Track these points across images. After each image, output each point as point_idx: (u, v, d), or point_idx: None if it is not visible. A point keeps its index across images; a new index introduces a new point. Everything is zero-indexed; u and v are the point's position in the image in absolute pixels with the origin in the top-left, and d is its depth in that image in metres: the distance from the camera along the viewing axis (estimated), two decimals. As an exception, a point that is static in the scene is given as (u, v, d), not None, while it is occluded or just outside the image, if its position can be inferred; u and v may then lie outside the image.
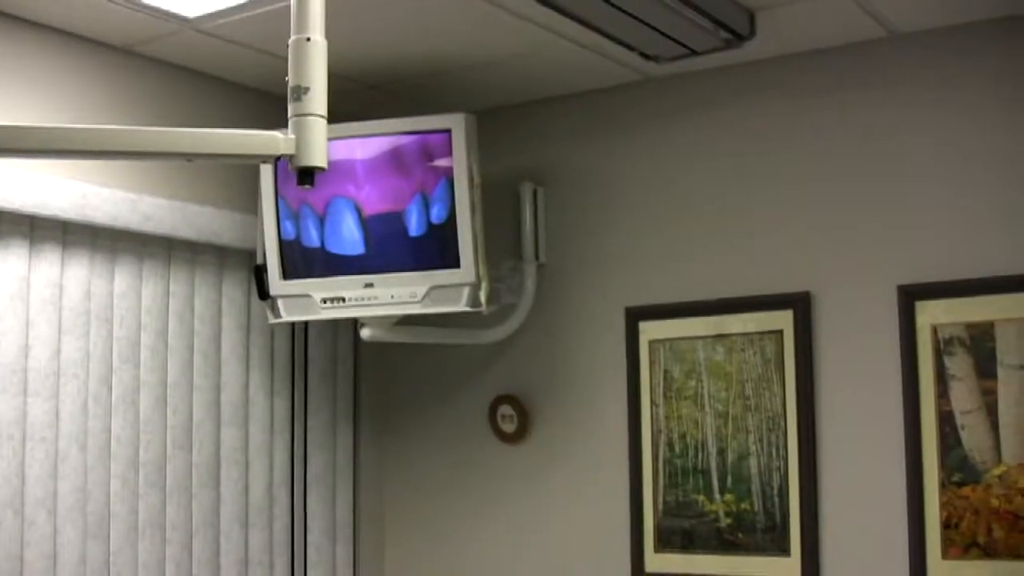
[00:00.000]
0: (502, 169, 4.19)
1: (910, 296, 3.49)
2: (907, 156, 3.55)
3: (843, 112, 3.66)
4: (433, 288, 3.69)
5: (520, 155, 4.23)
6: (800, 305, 3.66)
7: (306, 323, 4.17)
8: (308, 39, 2.27)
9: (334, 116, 4.01)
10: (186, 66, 3.81)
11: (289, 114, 2.24)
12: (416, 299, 3.70)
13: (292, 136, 2.23)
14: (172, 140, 2.19)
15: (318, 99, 2.25)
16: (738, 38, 3.45)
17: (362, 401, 4.39)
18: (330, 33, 3.51)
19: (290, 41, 2.27)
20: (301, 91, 2.25)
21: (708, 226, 3.86)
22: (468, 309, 3.68)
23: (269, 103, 3.95)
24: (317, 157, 2.24)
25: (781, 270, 3.72)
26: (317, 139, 2.25)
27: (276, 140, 2.23)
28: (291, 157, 2.23)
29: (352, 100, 4.11)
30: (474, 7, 3.37)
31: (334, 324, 4.24)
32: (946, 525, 3.39)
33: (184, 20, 3.45)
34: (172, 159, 2.24)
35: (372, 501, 4.40)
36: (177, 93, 3.81)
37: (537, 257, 4.11)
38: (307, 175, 2.25)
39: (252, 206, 3.87)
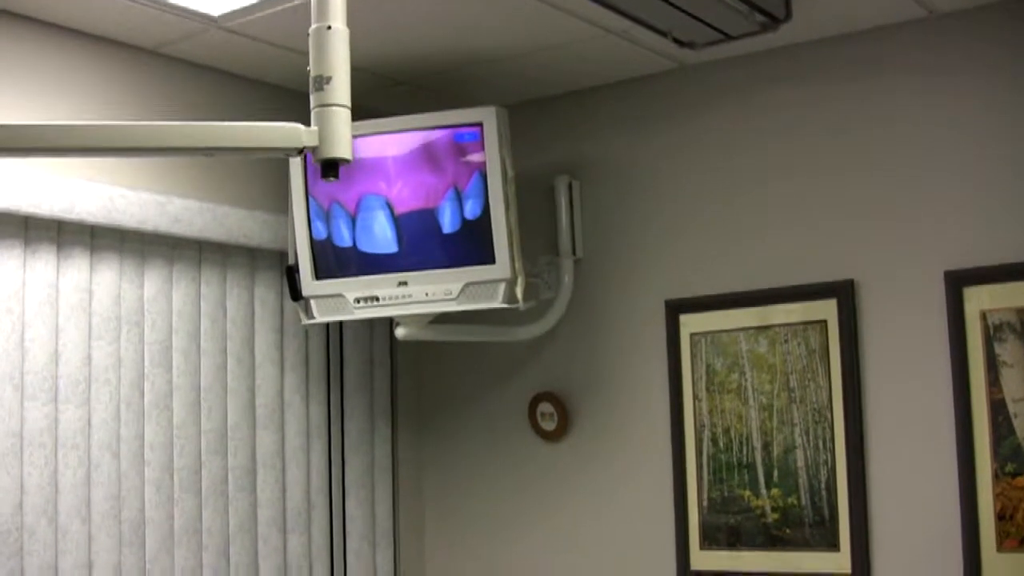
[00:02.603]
0: (537, 163, 4.12)
1: (958, 281, 3.39)
2: (952, 139, 3.45)
3: (884, 96, 3.56)
4: (468, 285, 3.62)
5: (555, 148, 4.15)
6: (844, 294, 3.56)
7: (341, 324, 4.12)
8: (329, 27, 2.21)
9: (363, 113, 3.96)
10: (214, 66, 3.76)
11: (311, 105, 2.19)
12: (451, 296, 3.63)
13: (314, 128, 2.17)
14: (192, 134, 2.13)
15: (341, 89, 2.19)
16: (774, 21, 3.36)
17: (400, 402, 4.33)
18: (357, 28, 3.45)
19: (311, 30, 2.20)
20: (323, 81, 2.19)
21: (748, 215, 3.77)
22: (504, 305, 3.61)
23: (299, 101, 3.88)
24: (341, 148, 2.18)
25: (824, 258, 3.62)
26: (340, 130, 2.18)
27: (298, 132, 2.17)
28: (314, 149, 2.17)
29: (380, 96, 4.05)
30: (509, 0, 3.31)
31: (370, 324, 4.18)
32: (1000, 516, 3.29)
33: (210, 19, 3.40)
34: (192, 154, 2.17)
35: (412, 504, 4.33)
36: (206, 93, 3.76)
37: (574, 251, 4.03)
38: (331, 167, 2.19)
39: (283, 206, 3.82)
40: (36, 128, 2.07)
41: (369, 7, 3.35)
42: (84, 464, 3.37)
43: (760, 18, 3.34)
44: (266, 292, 3.90)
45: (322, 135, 2.17)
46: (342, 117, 2.19)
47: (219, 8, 3.34)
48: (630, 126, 4.02)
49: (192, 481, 3.65)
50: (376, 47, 3.64)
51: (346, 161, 2.19)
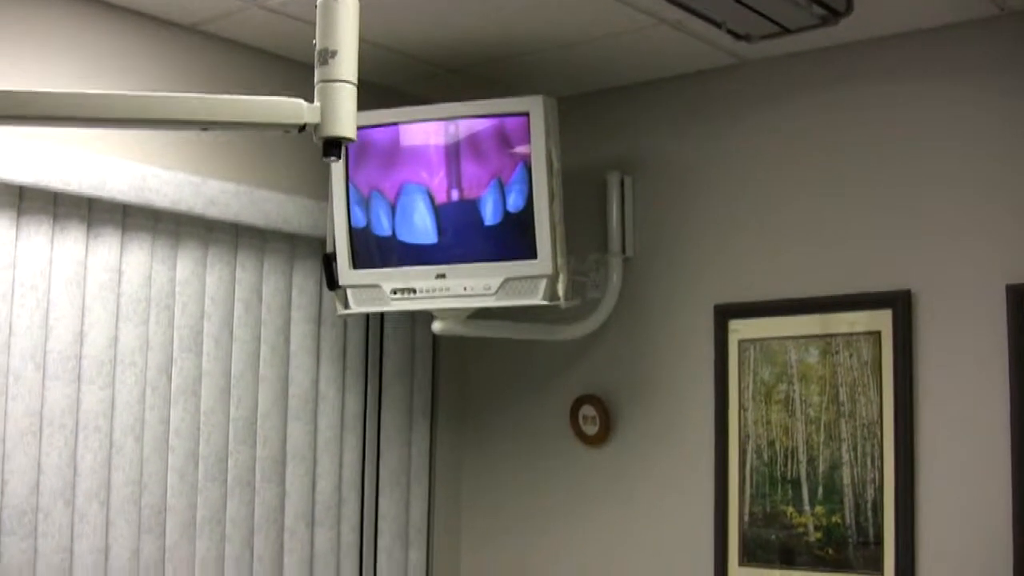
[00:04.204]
0: (589, 157, 3.99)
1: (1020, 296, 3.20)
2: (1019, 144, 3.26)
3: (949, 97, 3.38)
4: (508, 280, 3.50)
5: (608, 143, 4.02)
6: (900, 304, 3.38)
7: (382, 315, 4.02)
8: (337, -2, 2.09)
9: (411, 99, 3.86)
10: (254, 45, 3.67)
11: (315, 80, 2.08)
12: (490, 291, 3.51)
13: (317, 104, 2.07)
14: (187, 107, 2.04)
15: (347, 63, 2.08)
16: (834, 14, 3.21)
17: (440, 398, 4.21)
18: (409, 14, 3.38)
19: (318, 1, 2.10)
20: (328, 55, 2.08)
21: (803, 219, 3.61)
22: (544, 303, 3.48)
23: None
24: (344, 127, 2.07)
25: (880, 266, 3.45)
26: (345, 107, 2.07)
27: (300, 108, 2.06)
28: (316, 126, 2.07)
29: (432, 84, 3.95)
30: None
31: (411, 317, 4.08)
32: (1056, 547, 3.10)
33: (250, -3, 3.33)
34: (188, 127, 2.07)
35: (448, 504, 4.21)
36: (245, 72, 3.67)
37: (623, 250, 3.89)
38: (334, 146, 2.09)
39: (323, 192, 3.72)
40: (28, 95, 1.98)
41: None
42: (105, 447, 3.30)
43: (819, 11, 3.19)
44: (304, 280, 3.81)
45: (324, 112, 2.07)
46: (347, 93, 2.08)
47: (259, -14, 3.26)
48: (686, 122, 3.87)
49: (218, 470, 3.56)
50: (427, 33, 3.55)
51: (349, 140, 2.09)
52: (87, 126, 2.07)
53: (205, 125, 2.07)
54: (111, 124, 2.05)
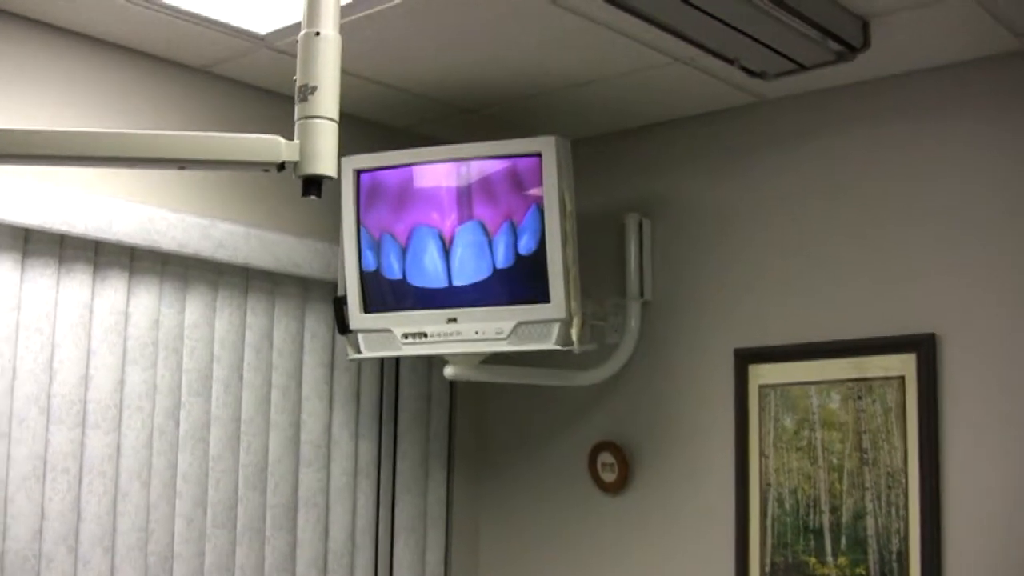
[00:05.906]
0: (607, 199, 3.93)
1: (1047, 339, 3.10)
2: (1045, 182, 3.17)
3: (972, 135, 3.29)
4: (520, 324, 3.42)
5: (626, 184, 3.95)
6: (925, 348, 3.28)
7: (397, 360, 3.95)
8: (318, 33, 2.06)
9: (425, 141, 3.81)
10: (263, 86, 3.64)
11: (295, 116, 2.04)
12: (502, 336, 3.43)
13: (296, 141, 2.02)
14: (162, 145, 1.99)
15: (327, 100, 2.04)
16: (850, 49, 3.12)
17: (457, 444, 4.14)
18: (422, 55, 3.34)
19: (299, 36, 2.06)
20: (308, 91, 2.04)
21: (824, 261, 3.52)
22: (557, 347, 3.40)
23: (353, 125, 3.76)
24: (324, 165, 2.03)
25: (904, 310, 3.35)
26: (325, 145, 2.03)
27: (278, 145, 2.02)
28: (295, 164, 2.02)
29: (446, 125, 3.91)
30: (573, 25, 3.14)
31: (427, 361, 4.01)
32: (1087, 601, 2.98)
33: (257, 38, 3.29)
34: (165, 166, 2.03)
35: (466, 552, 4.13)
36: (255, 113, 3.63)
37: (642, 294, 3.81)
38: (313, 185, 2.03)
39: (335, 234, 3.67)
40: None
41: (437, 33, 3.22)
42: (110, 492, 3.25)
43: (835, 46, 3.11)
44: (317, 324, 3.76)
45: (304, 150, 2.02)
46: (327, 131, 2.04)
47: (266, 27, 3.22)
48: (705, 163, 3.80)
49: (227, 517, 3.50)
50: (440, 74, 3.51)
51: (329, 178, 2.04)
52: (61, 164, 2.03)
53: (182, 164, 2.03)
54: (85, 162, 2.01)
